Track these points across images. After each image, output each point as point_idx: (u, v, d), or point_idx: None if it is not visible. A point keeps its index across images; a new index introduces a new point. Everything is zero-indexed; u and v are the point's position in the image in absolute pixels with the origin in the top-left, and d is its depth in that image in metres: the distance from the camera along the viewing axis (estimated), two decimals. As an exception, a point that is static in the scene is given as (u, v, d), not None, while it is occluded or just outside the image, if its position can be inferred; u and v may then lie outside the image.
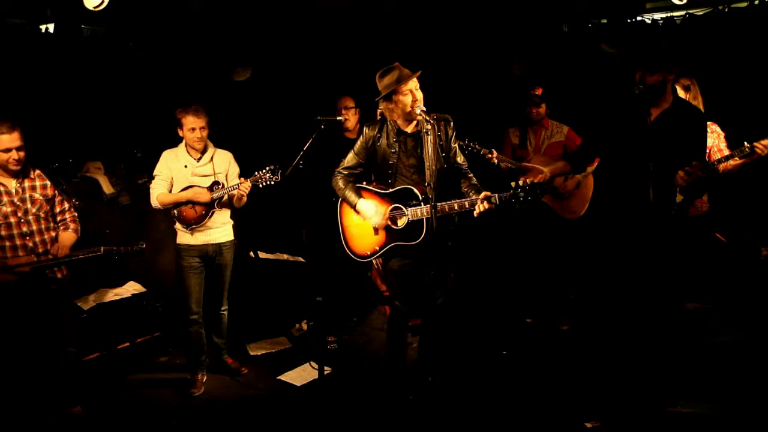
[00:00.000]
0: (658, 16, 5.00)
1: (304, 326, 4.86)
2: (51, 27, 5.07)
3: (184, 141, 3.94)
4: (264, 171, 3.84)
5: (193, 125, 3.82)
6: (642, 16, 5.07)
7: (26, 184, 3.46)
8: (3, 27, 4.81)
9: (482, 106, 5.36)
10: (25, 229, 3.40)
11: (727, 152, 3.76)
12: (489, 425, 3.42)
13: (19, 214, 3.40)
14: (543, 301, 4.74)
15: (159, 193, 3.88)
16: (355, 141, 3.52)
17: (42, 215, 3.47)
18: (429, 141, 3.08)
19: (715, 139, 3.81)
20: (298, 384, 4.00)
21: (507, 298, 5.16)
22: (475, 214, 3.10)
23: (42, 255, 3.42)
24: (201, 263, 3.96)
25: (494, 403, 3.61)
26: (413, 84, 3.24)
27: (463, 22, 5.28)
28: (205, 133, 3.89)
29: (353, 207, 3.42)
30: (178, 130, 3.89)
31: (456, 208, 3.14)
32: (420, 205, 3.25)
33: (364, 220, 3.41)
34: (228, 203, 3.96)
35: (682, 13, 4.84)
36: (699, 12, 4.81)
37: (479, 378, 3.94)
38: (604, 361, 3.78)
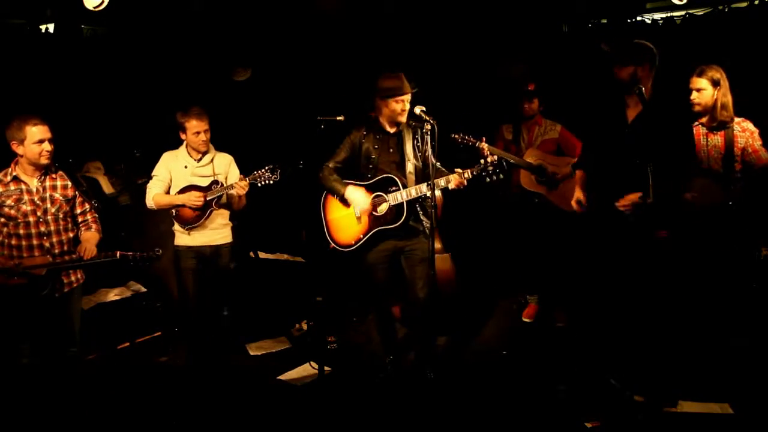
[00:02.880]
0: (658, 16, 5.00)
1: (304, 326, 4.86)
2: (51, 27, 5.08)
3: (185, 143, 3.94)
4: (263, 170, 3.82)
5: (197, 129, 3.83)
6: (642, 16, 5.07)
7: (47, 183, 3.43)
8: (3, 27, 4.81)
9: (480, 103, 5.36)
10: (42, 228, 3.38)
11: (762, 151, 3.58)
12: (489, 425, 3.42)
13: (39, 214, 3.37)
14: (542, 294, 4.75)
15: (155, 193, 3.89)
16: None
17: (61, 216, 3.45)
18: (428, 140, 3.38)
19: (749, 138, 3.59)
20: (298, 384, 4.00)
21: (505, 294, 5.18)
22: (451, 187, 3.47)
23: (58, 256, 3.40)
24: (199, 265, 3.94)
25: (494, 403, 3.61)
26: (407, 97, 3.57)
27: (464, 22, 5.28)
28: (209, 136, 3.89)
29: (341, 195, 3.69)
30: (181, 133, 3.89)
31: (441, 185, 3.50)
32: (400, 190, 3.57)
33: (351, 207, 3.68)
34: (227, 204, 3.95)
35: (682, 13, 4.84)
36: (699, 12, 4.81)
37: (479, 378, 3.94)
38: (604, 361, 3.77)
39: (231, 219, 4.09)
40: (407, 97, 3.58)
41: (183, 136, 3.90)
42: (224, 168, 4.01)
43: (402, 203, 3.58)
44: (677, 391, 3.45)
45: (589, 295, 3.86)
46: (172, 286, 4.54)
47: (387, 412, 3.56)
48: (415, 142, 3.71)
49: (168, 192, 3.93)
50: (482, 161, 3.41)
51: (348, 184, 3.71)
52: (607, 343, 3.76)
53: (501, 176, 3.38)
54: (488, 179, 3.40)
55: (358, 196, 3.65)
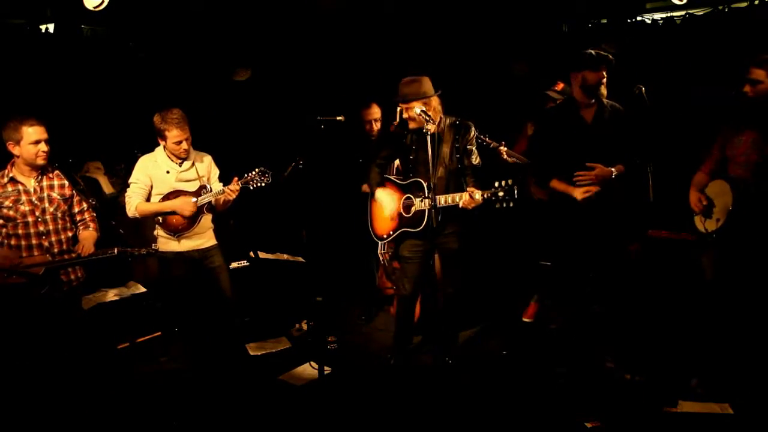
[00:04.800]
0: (658, 16, 5.00)
1: (304, 326, 4.86)
2: (51, 27, 5.08)
3: (162, 147, 3.78)
4: (254, 173, 3.76)
5: (178, 138, 3.66)
6: (642, 16, 5.07)
7: (44, 183, 3.43)
8: (3, 27, 4.82)
9: (493, 101, 5.35)
10: (41, 228, 3.39)
11: None
12: (489, 425, 3.42)
13: (37, 213, 3.38)
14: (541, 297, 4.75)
15: (138, 202, 3.73)
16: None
17: (59, 215, 3.45)
18: (428, 140, 3.40)
19: None
20: (298, 384, 4.00)
21: (503, 295, 5.17)
22: (460, 206, 3.46)
23: (57, 255, 3.40)
24: (189, 271, 3.86)
25: (494, 402, 3.61)
26: (410, 104, 3.57)
27: (464, 22, 5.28)
28: (190, 143, 3.74)
29: (373, 195, 3.86)
30: (159, 139, 3.74)
31: (449, 201, 3.51)
32: (425, 198, 3.63)
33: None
34: (211, 206, 3.87)
35: (682, 13, 4.84)
36: (699, 12, 4.80)
37: (479, 377, 3.94)
38: (604, 361, 3.78)
39: (230, 219, 4.06)
40: (408, 105, 3.58)
41: (162, 143, 3.73)
42: (206, 169, 3.89)
43: (424, 210, 3.62)
44: (677, 391, 3.47)
45: (589, 297, 3.86)
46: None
47: (386, 412, 3.56)
48: (455, 143, 3.68)
49: (148, 199, 3.80)
50: (496, 184, 3.32)
51: (386, 180, 3.88)
52: (606, 344, 3.78)
53: (511, 204, 3.29)
54: (498, 205, 3.33)
55: (386, 199, 3.78)
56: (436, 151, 3.56)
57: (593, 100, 3.55)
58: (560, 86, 4.53)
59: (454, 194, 3.50)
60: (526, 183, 4.53)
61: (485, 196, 3.36)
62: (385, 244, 4.44)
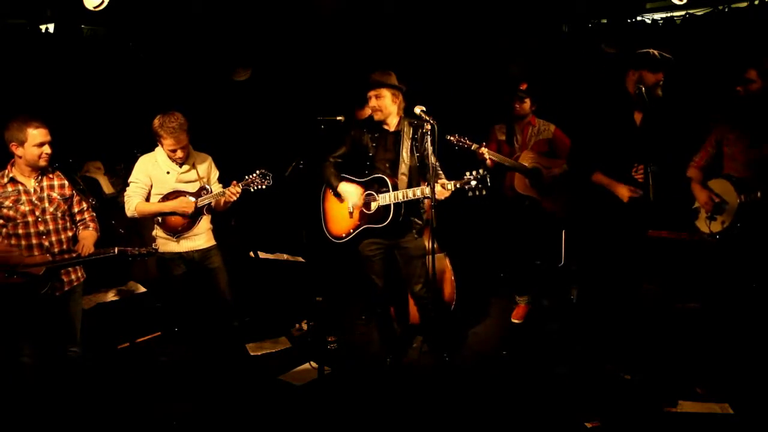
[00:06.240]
0: (658, 16, 5.00)
1: (304, 326, 4.86)
2: (51, 27, 5.08)
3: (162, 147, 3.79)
4: (255, 175, 3.76)
5: (172, 147, 3.66)
6: (642, 16, 5.07)
7: (44, 183, 3.43)
8: (3, 27, 4.82)
9: (473, 103, 5.35)
10: (41, 228, 3.39)
11: None
12: (490, 425, 3.42)
13: (37, 213, 3.38)
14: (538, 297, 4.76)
15: (138, 202, 3.73)
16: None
17: (59, 215, 3.45)
18: (427, 140, 3.40)
19: None
20: (298, 384, 4.00)
21: (499, 294, 5.18)
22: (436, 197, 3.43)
23: (57, 255, 3.40)
24: (188, 271, 3.86)
25: (494, 402, 3.62)
26: (378, 92, 3.62)
27: (464, 22, 5.28)
28: (186, 151, 3.73)
29: (334, 189, 3.78)
30: (158, 142, 3.75)
31: (418, 194, 3.55)
32: (389, 192, 3.63)
33: (344, 200, 3.77)
34: (210, 208, 3.87)
35: (682, 13, 4.84)
36: (699, 12, 4.81)
37: (479, 377, 3.94)
38: (604, 360, 3.78)
39: (230, 218, 4.06)
40: (378, 93, 3.61)
41: (159, 145, 3.76)
42: (206, 170, 3.89)
43: (389, 205, 3.64)
44: (677, 391, 3.47)
45: (584, 294, 3.86)
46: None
47: (386, 411, 3.56)
48: (414, 142, 3.73)
49: (148, 199, 3.80)
50: (467, 174, 3.41)
51: (343, 179, 3.78)
52: (605, 342, 3.78)
53: (484, 192, 3.38)
54: (470, 193, 3.41)
55: (350, 189, 3.72)
56: (399, 148, 3.68)
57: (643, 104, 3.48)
58: (524, 86, 4.53)
59: (423, 187, 3.53)
60: (504, 181, 4.54)
61: (457, 185, 3.43)
62: None
